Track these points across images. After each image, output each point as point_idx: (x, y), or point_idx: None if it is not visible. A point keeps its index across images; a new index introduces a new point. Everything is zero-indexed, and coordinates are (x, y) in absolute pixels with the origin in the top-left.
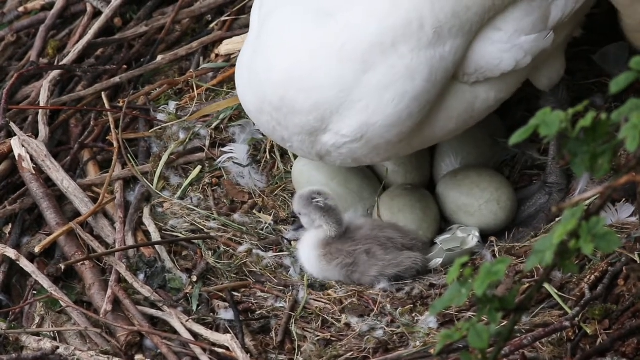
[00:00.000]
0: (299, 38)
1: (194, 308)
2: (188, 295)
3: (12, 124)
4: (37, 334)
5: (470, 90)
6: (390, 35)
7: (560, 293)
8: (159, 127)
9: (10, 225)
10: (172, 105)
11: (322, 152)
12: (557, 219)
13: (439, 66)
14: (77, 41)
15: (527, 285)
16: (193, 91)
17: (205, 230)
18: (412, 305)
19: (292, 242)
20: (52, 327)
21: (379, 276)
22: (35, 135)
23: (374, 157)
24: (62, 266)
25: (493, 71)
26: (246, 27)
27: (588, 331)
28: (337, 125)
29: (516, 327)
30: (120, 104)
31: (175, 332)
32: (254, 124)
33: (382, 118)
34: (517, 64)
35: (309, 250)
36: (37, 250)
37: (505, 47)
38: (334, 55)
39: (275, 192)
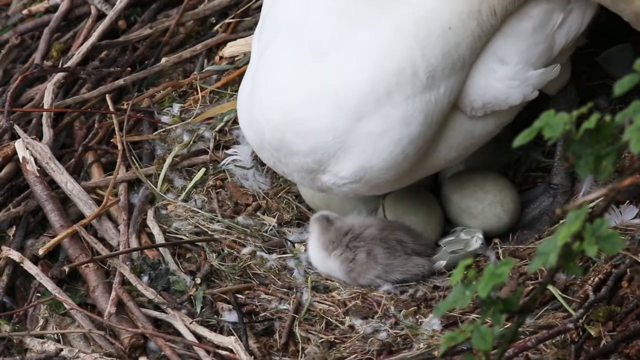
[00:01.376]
0: (293, 80)
1: (198, 310)
2: (192, 297)
3: (16, 127)
4: (41, 337)
5: (470, 120)
6: (384, 84)
7: (564, 295)
8: (163, 129)
9: (14, 228)
10: (176, 108)
11: (324, 188)
12: (561, 221)
13: (435, 109)
14: (81, 44)
15: (531, 287)
16: (197, 93)
17: (209, 232)
18: (415, 307)
19: (296, 244)
20: (56, 329)
21: (376, 279)
22: (39, 137)
23: (376, 192)
24: (66, 268)
25: (501, 105)
26: (250, 29)
27: (592, 333)
28: (335, 167)
29: (520, 329)
30: (124, 107)
31: (179, 334)
32: None
33: (379, 162)
34: (525, 98)
35: (312, 242)
36: (41, 252)
37: (513, 83)
38: (328, 101)
39: (279, 194)
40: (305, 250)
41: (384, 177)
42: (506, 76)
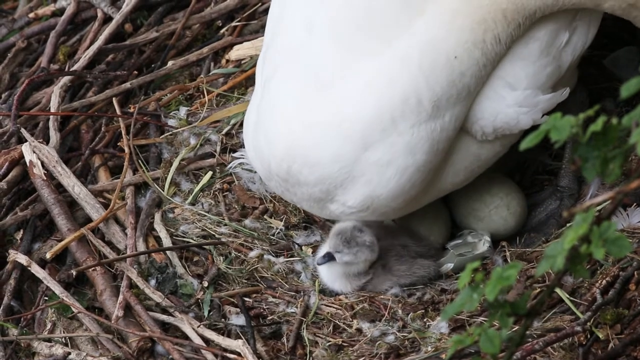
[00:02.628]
0: (298, 111)
1: (205, 313)
2: (199, 300)
3: (23, 130)
4: (49, 340)
5: (478, 143)
6: (389, 113)
7: (571, 298)
8: (170, 132)
9: (21, 231)
10: (183, 111)
11: (332, 216)
12: (568, 224)
13: (440, 137)
14: (88, 47)
15: (539, 290)
16: (204, 97)
17: (216, 235)
18: (423, 311)
19: (303, 248)
20: (64, 333)
21: (389, 287)
22: (46, 141)
23: (383, 219)
24: (74, 272)
25: (512, 130)
26: (257, 32)
27: (600, 336)
28: (342, 197)
29: (527, 332)
30: (131, 110)
31: (186, 337)
32: None
33: (386, 191)
34: (535, 122)
35: (336, 274)
36: (48, 256)
37: (523, 109)
38: (333, 131)
39: None
40: (312, 252)
41: (391, 206)
42: (516, 102)
